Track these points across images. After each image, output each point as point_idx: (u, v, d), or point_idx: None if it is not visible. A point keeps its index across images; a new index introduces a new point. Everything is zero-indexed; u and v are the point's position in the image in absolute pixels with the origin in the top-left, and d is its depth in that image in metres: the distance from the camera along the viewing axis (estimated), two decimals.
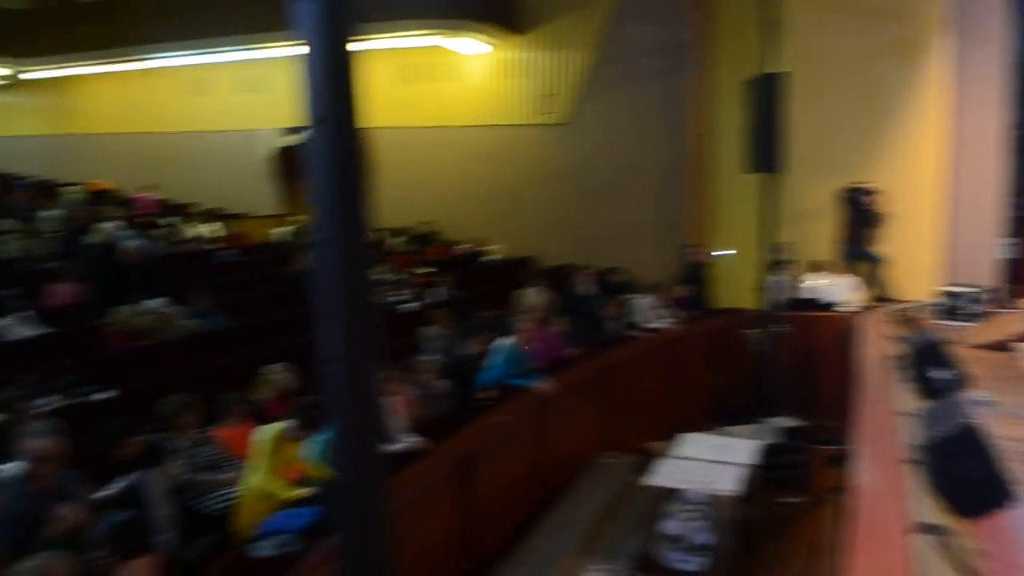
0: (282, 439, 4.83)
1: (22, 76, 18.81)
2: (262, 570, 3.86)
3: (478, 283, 11.75)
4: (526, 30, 13.86)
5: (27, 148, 20.24)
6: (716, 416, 8.99)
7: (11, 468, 4.18)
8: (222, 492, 5.13)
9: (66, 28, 17.34)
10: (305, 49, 1.59)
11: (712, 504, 5.64)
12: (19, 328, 7.69)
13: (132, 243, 8.41)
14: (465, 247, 13.91)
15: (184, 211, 15.60)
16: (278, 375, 6.24)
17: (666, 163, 12.63)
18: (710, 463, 6.38)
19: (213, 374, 7.11)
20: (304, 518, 4.28)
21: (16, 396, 5.21)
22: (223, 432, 5.59)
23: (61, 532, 3.80)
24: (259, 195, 16.63)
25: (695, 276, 10.82)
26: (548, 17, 13.62)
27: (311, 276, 1.57)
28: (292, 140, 16.17)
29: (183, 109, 17.56)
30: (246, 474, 4.93)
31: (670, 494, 5.76)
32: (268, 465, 4.74)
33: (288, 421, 4.89)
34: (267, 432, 4.90)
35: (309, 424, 4.83)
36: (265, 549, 4.05)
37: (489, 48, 14.06)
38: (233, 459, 5.40)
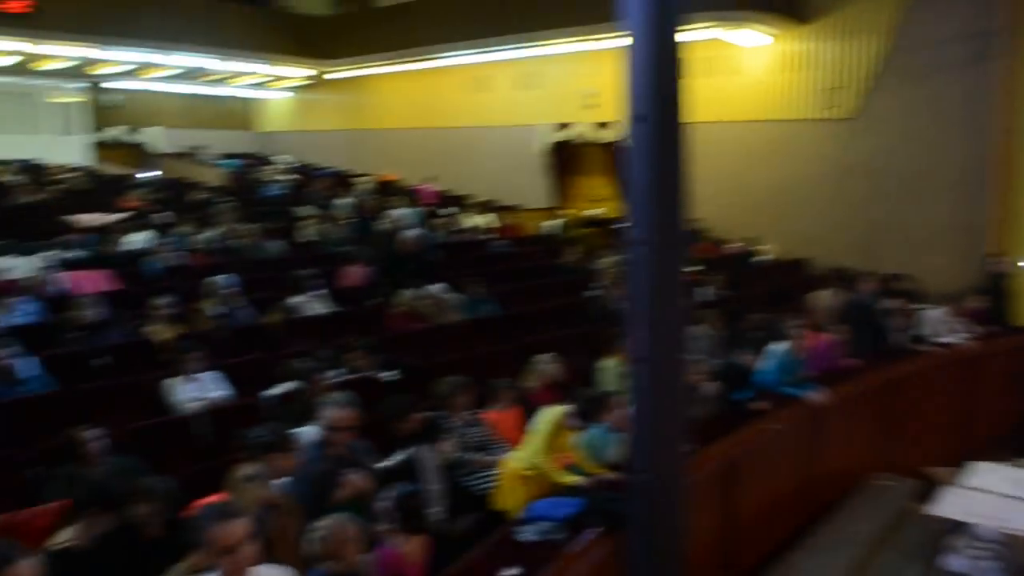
0: (559, 424, 4.88)
1: (326, 76, 20.60)
2: (525, 554, 3.91)
3: (748, 284, 11.32)
4: (811, 19, 13.14)
5: (326, 142, 22.23)
6: (1013, 446, 8.04)
7: (309, 433, 4.53)
8: (488, 473, 5.29)
9: (364, 31, 18.80)
10: (629, 41, 1.54)
11: (1007, 544, 5.04)
12: (313, 305, 8.41)
13: (410, 232, 8.95)
14: (735, 246, 13.47)
15: (461, 202, 16.40)
16: (547, 365, 6.35)
17: (965, 162, 11.50)
18: (1006, 498, 5.70)
19: (483, 359, 7.37)
20: (569, 508, 4.28)
21: (311, 367, 5.66)
22: (491, 415, 5.77)
23: (348, 497, 4.08)
24: (532, 188, 17.14)
25: (996, 288, 9.77)
26: (837, 4, 12.82)
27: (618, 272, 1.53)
28: (564, 136, 16.53)
29: (465, 105, 18.46)
30: (518, 452, 5.03)
31: (955, 527, 5.22)
32: (543, 446, 4.81)
33: (566, 408, 4.94)
34: (547, 415, 4.97)
35: (585, 416, 4.85)
36: (527, 533, 4.09)
37: (770, 40, 13.49)
38: (500, 442, 5.56)
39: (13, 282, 8.06)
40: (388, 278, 8.87)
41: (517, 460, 4.96)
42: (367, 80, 20.27)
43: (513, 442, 5.61)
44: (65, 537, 3.61)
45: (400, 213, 9.59)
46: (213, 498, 2.74)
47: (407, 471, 4.78)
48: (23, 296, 7.56)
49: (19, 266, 9.19)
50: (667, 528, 1.70)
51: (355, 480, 4.10)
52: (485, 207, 15.36)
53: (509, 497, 4.88)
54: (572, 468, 4.92)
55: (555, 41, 15.17)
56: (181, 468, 4.83)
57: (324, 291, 8.67)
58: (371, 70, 19.46)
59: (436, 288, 8.37)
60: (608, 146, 15.92)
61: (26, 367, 5.89)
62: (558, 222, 14.12)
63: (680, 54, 1.59)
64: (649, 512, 1.66)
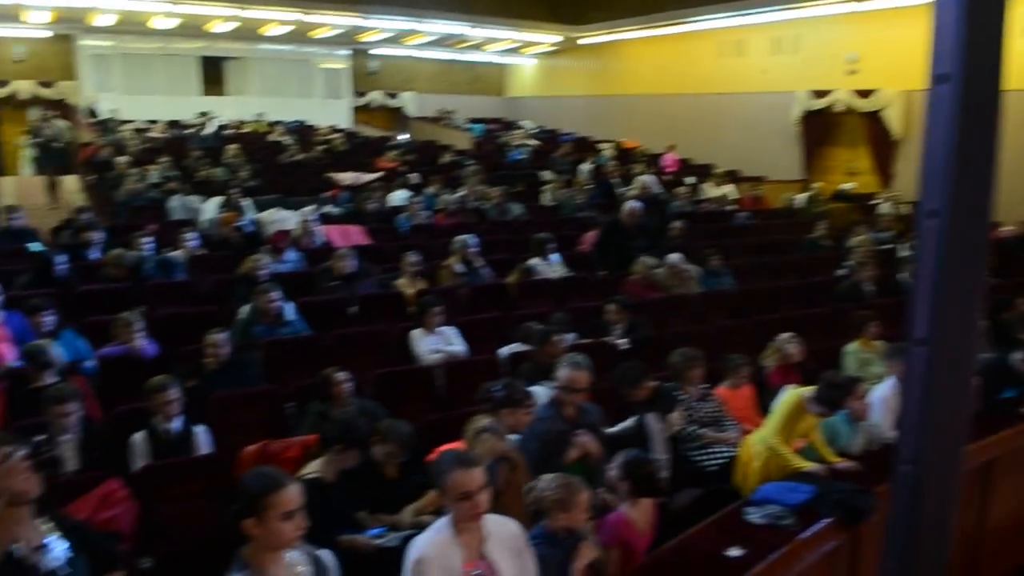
0: (800, 407, 4.64)
1: (578, 42, 20.65)
2: (752, 536, 3.76)
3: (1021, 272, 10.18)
4: None
5: (570, 107, 22.41)
6: None
7: (541, 393, 4.58)
8: (718, 450, 5.14)
9: None
10: None
11: None
12: (551, 268, 8.51)
13: (633, 204, 8.78)
14: (1009, 229, 12.12)
15: (703, 171, 15.99)
16: (786, 344, 6.05)
17: None
18: None
19: (718, 334, 7.17)
20: (801, 494, 4.07)
21: (546, 329, 5.72)
22: (723, 391, 5.60)
23: (577, 459, 4.10)
24: (780, 159, 16.37)
25: None
26: None
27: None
28: (821, 104, 15.64)
29: (715, 71, 17.85)
30: (758, 432, 4.85)
31: None
32: (781, 428, 4.61)
33: (808, 391, 4.69)
34: (788, 396, 4.76)
35: (826, 401, 4.58)
36: (754, 515, 3.94)
37: None
38: (731, 419, 5.38)
39: (285, 233, 8.78)
40: (612, 248, 8.77)
41: (753, 440, 4.77)
42: (615, 45, 20.15)
43: (744, 421, 5.44)
44: (313, 469, 3.87)
45: (646, 179, 9.42)
46: (451, 446, 2.82)
47: (635, 439, 4.73)
48: (288, 246, 8.21)
49: (288, 218, 10.01)
50: (931, 529, 1.52)
51: (585, 442, 4.11)
52: (728, 177, 14.84)
53: (741, 476, 4.73)
54: (807, 453, 4.68)
55: (815, 2, 14.31)
56: (418, 415, 5.06)
57: (560, 255, 8.74)
58: (621, 35, 19.28)
59: (674, 258, 8.21)
60: (869, 116, 14.89)
61: (288, 311, 6.40)
62: (806, 195, 13.39)
63: (999, 6, 1.38)
64: (913, 509, 1.49)
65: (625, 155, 17.22)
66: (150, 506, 4.24)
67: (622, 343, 6.54)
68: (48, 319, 5.54)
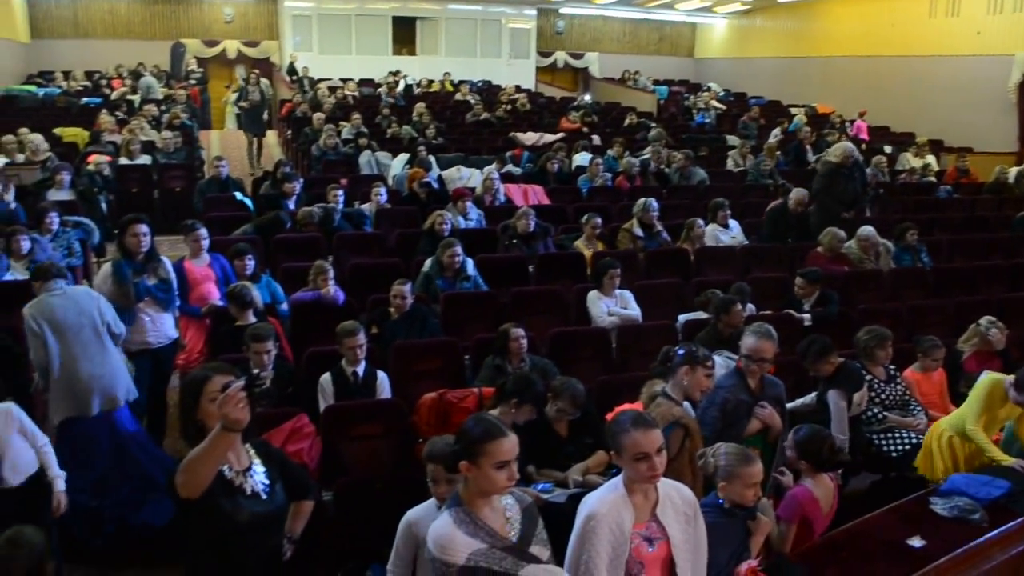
0: (1000, 393, 4.32)
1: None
2: (937, 527, 3.57)
3: None
4: None
5: (760, 69, 21.55)
6: None
7: (721, 363, 4.48)
8: (902, 434, 4.90)
9: None
10: None
11: None
12: (732, 236, 8.25)
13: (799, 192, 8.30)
14: None
15: (903, 140, 15.01)
16: (987, 328, 5.60)
17: None
18: None
19: (910, 313, 6.77)
20: (995, 489, 3.81)
21: (728, 298, 5.55)
22: (912, 374, 5.31)
23: (756, 431, 3.98)
24: (991, 128, 15.05)
25: None
26: None
27: None
28: None
29: (924, 32, 16.56)
30: (948, 417, 4.56)
31: None
32: (978, 416, 4.31)
33: (1011, 377, 4.34)
34: (987, 382, 4.44)
35: None
36: (940, 506, 3.74)
37: None
38: (919, 403, 5.11)
39: (471, 189, 8.97)
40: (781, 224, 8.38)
41: (943, 425, 4.49)
42: (815, 4, 19.21)
43: (932, 407, 5.16)
44: None
45: (848, 145, 8.89)
46: (628, 406, 2.80)
47: (815, 416, 4.55)
48: (471, 203, 8.37)
49: (471, 176, 10.23)
50: None
51: (767, 415, 3.99)
52: (931, 147, 13.83)
53: (926, 464, 4.48)
54: (1007, 446, 4.35)
55: None
56: (590, 376, 5.07)
57: (735, 221, 8.46)
58: None
59: (866, 231, 7.75)
60: None
61: (468, 266, 6.54)
62: (1018, 169, 12.28)
63: None
64: None
65: (818, 120, 16.41)
66: (333, 443, 4.49)
67: (806, 317, 6.29)
68: (249, 263, 5.92)
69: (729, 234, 8.23)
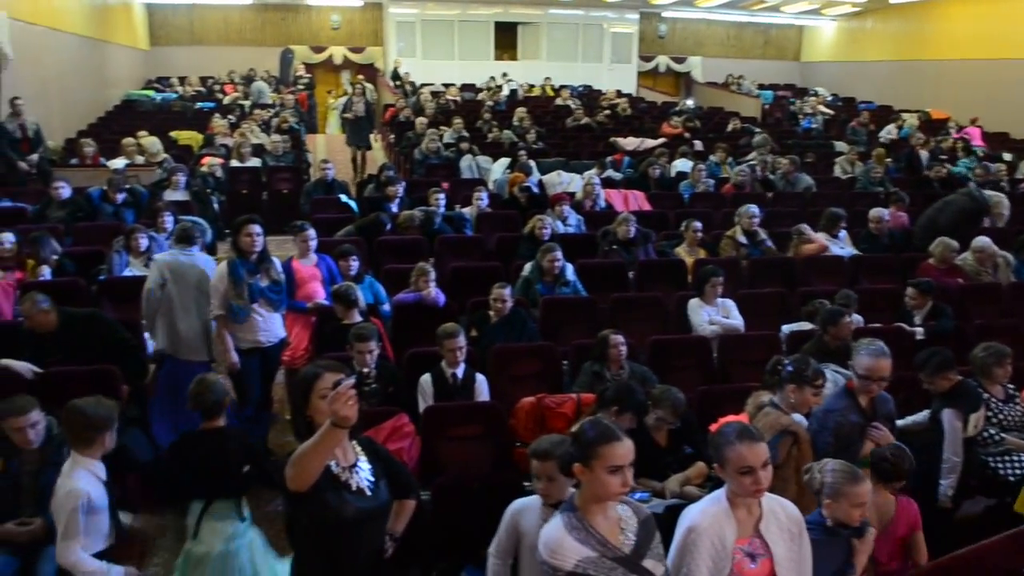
0: None
1: (892, 0, 19.06)
2: None
3: None
4: None
5: (870, 73, 20.85)
6: None
7: (831, 376, 4.35)
8: (1021, 458, 4.64)
9: None
10: None
11: None
12: (838, 245, 7.99)
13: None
14: None
15: (1021, 146, 14.31)
16: None
17: None
18: None
19: None
20: None
21: (836, 310, 5.37)
22: None
23: (868, 452, 3.85)
24: None
25: None
26: None
27: None
28: None
29: None
30: None
31: None
32: None
33: None
34: None
35: None
36: None
37: None
38: None
39: (571, 194, 8.96)
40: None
41: None
42: (930, 4, 18.44)
43: None
44: None
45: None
46: (733, 418, 2.74)
47: (927, 435, 4.37)
48: (570, 208, 8.36)
49: (571, 181, 10.22)
50: None
51: (882, 436, 3.85)
52: None
53: None
54: None
55: None
56: (690, 385, 4.99)
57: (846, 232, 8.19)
58: None
59: (983, 242, 7.41)
60: None
61: (567, 271, 6.52)
62: None
63: None
64: None
65: (930, 126, 15.79)
66: (431, 443, 4.54)
67: (919, 331, 6.04)
68: (354, 264, 6.06)
69: (838, 244, 7.97)
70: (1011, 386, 4.89)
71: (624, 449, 2.43)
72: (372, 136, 12.89)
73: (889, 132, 13.67)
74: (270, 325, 5.33)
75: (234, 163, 10.83)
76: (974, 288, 7.17)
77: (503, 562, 3.15)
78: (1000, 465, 4.65)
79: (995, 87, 16.55)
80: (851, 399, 3.85)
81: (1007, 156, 13.12)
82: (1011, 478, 4.59)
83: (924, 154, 12.66)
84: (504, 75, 19.57)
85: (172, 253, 5.54)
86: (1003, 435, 4.71)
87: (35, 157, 9.94)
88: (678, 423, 4.26)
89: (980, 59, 17.13)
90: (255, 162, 11.11)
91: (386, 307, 6.09)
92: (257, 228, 5.26)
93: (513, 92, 18.41)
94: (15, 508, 3.70)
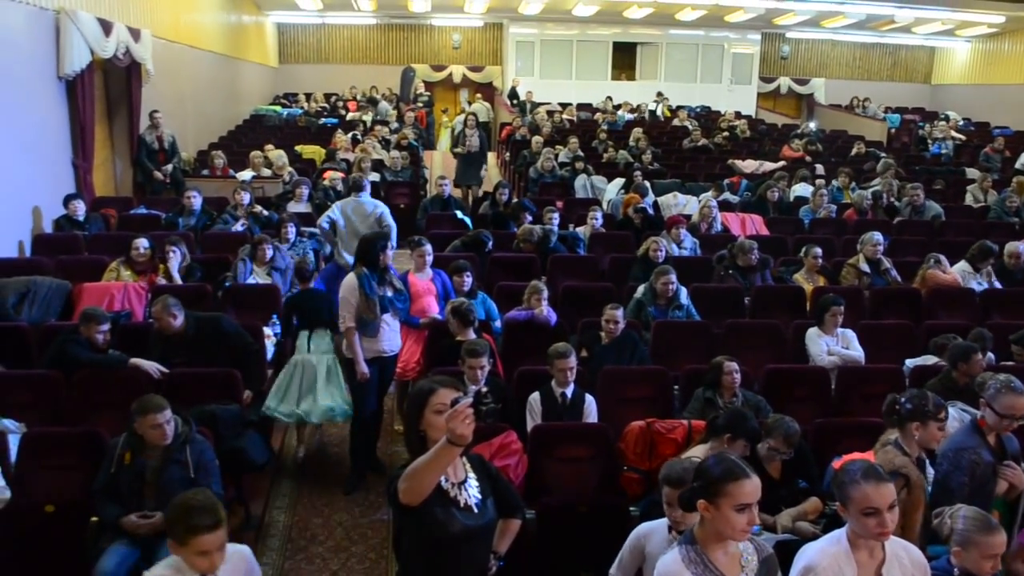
0: None
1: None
2: None
3: None
4: None
5: (1009, 96, 19.84)
6: None
7: (957, 414, 4.13)
8: None
9: None
10: None
11: None
12: (969, 277, 7.59)
13: None
14: None
15: None
16: None
17: None
18: None
19: None
20: None
21: (967, 345, 5.10)
22: None
23: (1002, 493, 3.65)
24: None
25: None
26: None
27: None
28: None
29: None
30: None
31: None
32: None
33: None
34: None
35: None
36: None
37: None
38: None
39: (686, 217, 8.85)
40: None
41: None
42: None
43: None
44: (696, 453, 3.85)
45: None
46: (856, 455, 2.64)
47: None
48: (686, 231, 8.23)
49: (687, 203, 10.09)
50: None
51: (1015, 474, 3.64)
52: None
53: None
54: None
55: None
56: (806, 417, 4.82)
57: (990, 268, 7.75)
58: None
59: None
60: None
61: (681, 295, 6.42)
62: None
63: None
64: None
65: None
66: (538, 462, 4.53)
67: None
68: (467, 280, 6.13)
69: (978, 278, 7.57)
70: None
71: (752, 487, 2.36)
72: (484, 168, 12.76)
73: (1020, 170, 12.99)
74: (392, 335, 5.44)
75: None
76: None
77: None
78: None
79: None
80: (982, 437, 3.67)
81: None
82: None
83: None
84: (609, 99, 19.45)
85: (348, 200, 7.44)
86: None
87: (169, 167, 10.50)
88: (791, 454, 4.12)
89: None
90: (374, 177, 11.40)
91: (497, 324, 6.13)
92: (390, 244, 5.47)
93: (653, 113, 18.31)
94: (139, 501, 3.87)
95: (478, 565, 2.74)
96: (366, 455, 5.58)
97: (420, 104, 19.50)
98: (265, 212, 8.52)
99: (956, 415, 4.59)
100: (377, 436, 5.75)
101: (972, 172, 13.31)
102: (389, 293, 5.32)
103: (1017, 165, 13.56)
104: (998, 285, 7.58)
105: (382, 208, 7.34)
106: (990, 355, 5.53)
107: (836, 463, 2.65)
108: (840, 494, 2.53)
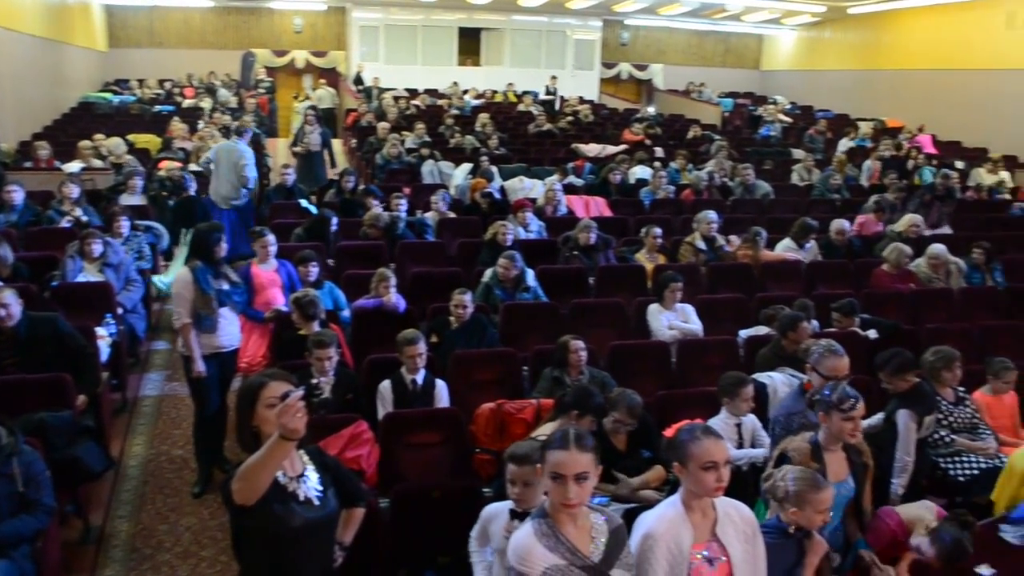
0: None
1: (849, 11, 19.38)
2: (1007, 555, 3.46)
3: None
4: None
5: (830, 82, 21.19)
6: None
7: (781, 380, 4.40)
8: (969, 459, 4.75)
9: None
10: None
11: None
12: (796, 251, 8.09)
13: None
14: None
15: (975, 155, 14.61)
16: None
17: None
18: None
19: (980, 334, 6.56)
20: None
21: (794, 315, 5.43)
22: (982, 397, 5.15)
23: None
24: None
25: None
26: None
27: None
28: None
29: (1000, 44, 15.99)
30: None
31: None
32: None
33: None
34: None
35: None
36: (1008, 533, 3.64)
37: None
38: (988, 427, 4.94)
39: (532, 200, 8.99)
40: None
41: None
42: (888, 15, 18.77)
43: (1002, 431, 5.02)
44: (545, 431, 3.94)
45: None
46: (686, 423, 2.77)
47: (882, 436, 4.42)
48: (532, 214, 8.38)
49: (533, 187, 10.25)
50: None
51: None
52: (1005, 163, 13.41)
53: (1000, 491, 4.30)
54: None
55: None
56: (649, 390, 5.01)
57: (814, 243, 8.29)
58: (897, 3, 17.92)
59: (937, 249, 7.57)
60: None
61: (528, 277, 6.54)
62: None
63: None
64: None
65: (882, 133, 16.08)
66: (390, 450, 4.52)
67: (872, 333, 6.14)
68: (313, 270, 6.02)
69: (803, 254, 8.06)
70: (961, 389, 5.00)
71: (708, 446, 2.57)
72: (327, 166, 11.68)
73: (843, 146, 13.98)
74: (231, 330, 5.26)
75: (193, 167, 10.70)
76: (926, 293, 7.32)
77: (480, 549, 3.22)
78: (950, 466, 4.75)
79: (949, 96, 16.93)
80: (801, 394, 3.94)
81: (959, 164, 13.38)
82: (960, 478, 4.69)
83: (877, 164, 12.87)
84: (454, 84, 19.48)
85: (226, 143, 9.07)
86: (953, 436, 4.83)
87: None
88: (635, 425, 4.28)
89: (935, 69, 17.49)
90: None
91: (345, 313, 6.05)
92: (226, 237, 5.23)
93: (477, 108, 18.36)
94: None
95: (322, 558, 2.72)
96: (212, 455, 5.39)
97: (262, 91, 18.91)
98: (84, 216, 7.95)
99: (786, 380, 4.91)
100: (224, 434, 5.57)
101: (798, 152, 14.15)
102: (225, 286, 5.14)
103: (839, 148, 14.49)
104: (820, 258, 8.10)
105: (248, 159, 8.43)
106: (814, 323, 5.91)
107: (668, 431, 2.76)
108: (679, 453, 2.61)
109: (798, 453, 3.42)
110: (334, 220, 7.68)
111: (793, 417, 3.83)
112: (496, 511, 3.14)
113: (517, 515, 3.00)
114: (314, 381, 4.53)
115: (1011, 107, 15.55)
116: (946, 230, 9.41)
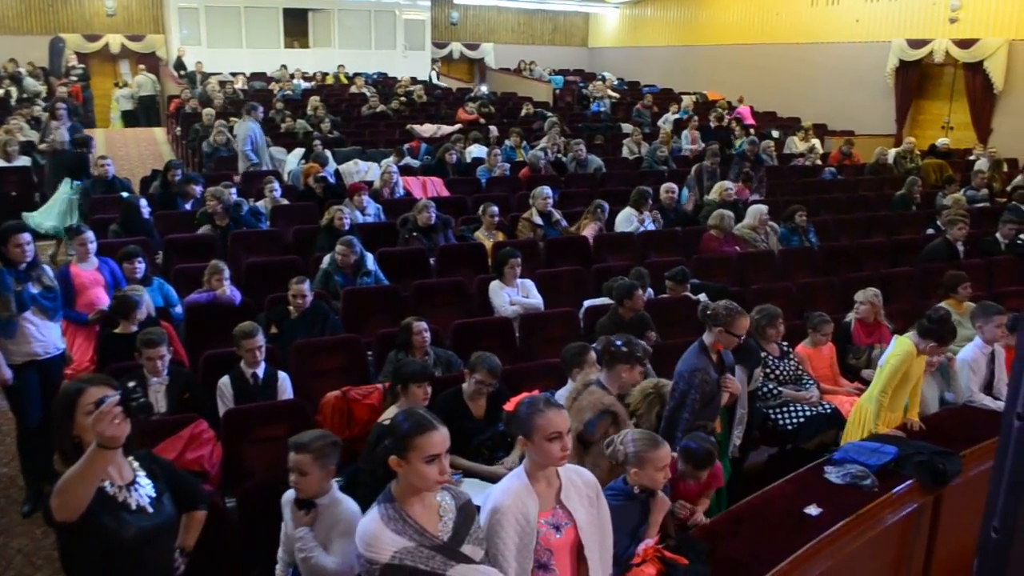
0: (911, 354, 4.44)
1: None
2: (833, 495, 3.69)
3: None
4: None
5: (653, 58, 21.95)
6: None
7: None
8: (796, 408, 5.08)
9: None
10: None
11: None
12: (631, 222, 8.37)
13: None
14: None
15: (789, 124, 15.53)
16: (869, 301, 5.85)
17: None
18: None
19: (799, 291, 7.01)
20: (884, 455, 3.94)
21: (630, 284, 5.62)
22: (804, 350, 5.51)
23: (727, 403, 4.16)
24: (870, 112, 15.76)
25: None
26: None
27: None
28: (918, 54, 14.99)
29: (806, 19, 17.15)
30: (870, 390, 4.67)
31: None
32: (888, 379, 4.42)
33: (916, 337, 4.47)
34: (899, 342, 4.56)
35: (933, 334, 4.36)
36: (832, 474, 3.84)
37: None
38: (811, 377, 5.30)
39: (369, 183, 8.85)
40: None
41: (864, 400, 4.59)
42: None
43: (824, 380, 5.39)
44: (390, 414, 3.93)
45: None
46: (525, 395, 2.80)
47: None
48: (369, 197, 8.27)
49: (368, 169, 10.11)
50: None
51: (731, 386, 4.14)
52: (816, 131, 14.35)
53: (848, 438, 4.55)
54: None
55: None
56: None
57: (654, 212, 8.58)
58: None
59: (759, 208, 8.03)
60: (969, 67, 14.21)
61: (368, 261, 6.47)
62: (898, 150, 12.87)
63: None
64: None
65: (704, 106, 16.85)
66: (234, 448, 4.38)
67: (703, 297, 6.42)
68: (139, 266, 5.71)
69: (645, 219, 8.31)
70: (785, 343, 5.34)
71: (440, 437, 2.41)
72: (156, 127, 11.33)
73: (667, 121, 14.57)
74: (46, 335, 4.90)
75: (1, 163, 9.92)
76: (751, 256, 7.74)
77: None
78: (779, 416, 5.07)
79: (763, 69, 17.93)
80: (707, 357, 4.07)
81: (775, 133, 14.19)
82: (789, 427, 5.02)
83: (695, 133, 13.49)
84: (284, 67, 18.93)
85: None
86: (780, 388, 5.15)
87: None
88: (495, 385, 4.32)
89: (750, 44, 18.49)
90: (24, 161, 10.22)
91: (178, 309, 5.79)
92: (27, 236, 4.81)
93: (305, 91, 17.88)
94: None
95: (162, 565, 2.61)
96: (40, 470, 5.03)
97: (74, 78, 17.71)
98: None
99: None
100: (51, 448, 5.22)
101: (627, 127, 14.59)
102: (35, 290, 4.80)
103: (662, 122, 15.04)
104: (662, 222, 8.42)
105: None
106: (649, 290, 6.14)
107: (506, 406, 2.78)
108: (524, 427, 2.63)
109: (591, 401, 3.59)
110: (143, 203, 7.27)
111: (696, 373, 3.97)
112: (289, 498, 3.15)
113: (301, 504, 3.05)
114: (131, 384, 4.29)
115: (819, 79, 16.69)
116: (756, 197, 9.94)
